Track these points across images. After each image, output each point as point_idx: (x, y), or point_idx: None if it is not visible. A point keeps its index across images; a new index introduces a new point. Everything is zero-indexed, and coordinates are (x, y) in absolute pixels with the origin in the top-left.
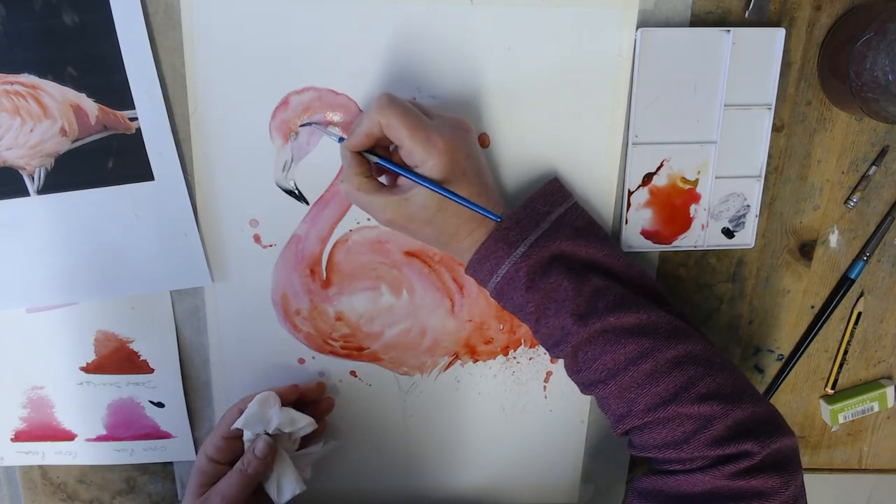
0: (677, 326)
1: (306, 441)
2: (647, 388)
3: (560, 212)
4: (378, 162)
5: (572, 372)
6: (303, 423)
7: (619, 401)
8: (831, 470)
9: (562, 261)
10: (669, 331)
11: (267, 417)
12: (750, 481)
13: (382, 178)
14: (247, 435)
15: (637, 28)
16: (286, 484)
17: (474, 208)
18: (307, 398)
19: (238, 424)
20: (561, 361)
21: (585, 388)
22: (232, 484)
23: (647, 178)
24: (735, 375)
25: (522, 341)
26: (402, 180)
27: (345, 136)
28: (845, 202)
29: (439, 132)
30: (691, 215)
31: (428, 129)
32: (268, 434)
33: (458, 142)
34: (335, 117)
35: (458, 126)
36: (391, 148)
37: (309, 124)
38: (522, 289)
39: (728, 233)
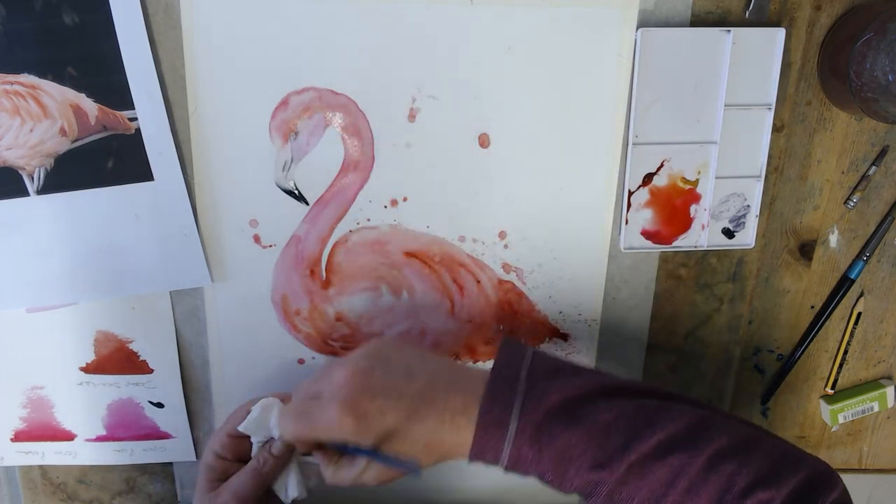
0: (692, 424)
1: None
2: None
3: (527, 366)
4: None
5: None
6: None
7: None
8: None
9: (558, 414)
10: (689, 436)
11: (269, 424)
12: None
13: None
14: (254, 439)
15: (637, 28)
16: (291, 486)
17: (393, 465)
18: None
19: (241, 428)
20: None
21: None
22: (245, 483)
23: (648, 178)
24: (771, 448)
25: (522, 341)
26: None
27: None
28: (845, 202)
29: (328, 409)
30: (691, 215)
31: (318, 419)
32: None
33: (354, 394)
34: (335, 117)
35: (347, 374)
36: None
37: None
38: (533, 463)
39: (728, 233)
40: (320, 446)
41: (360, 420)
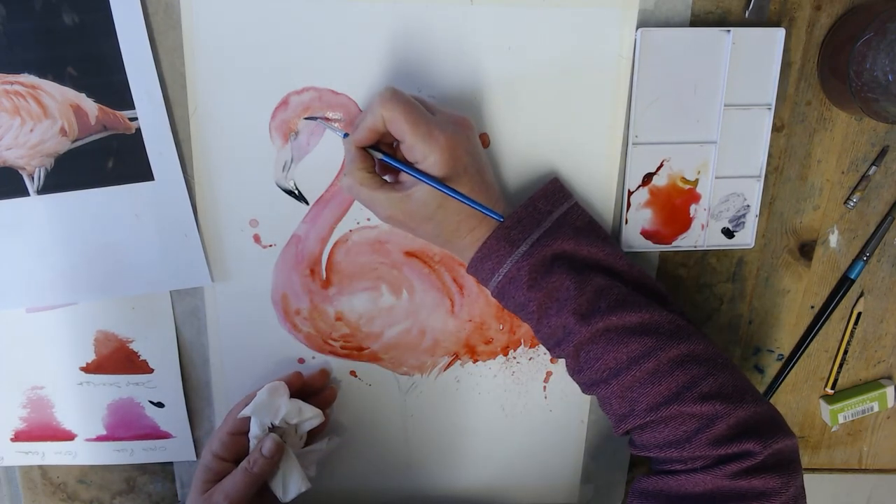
0: (679, 325)
1: (311, 437)
2: (649, 387)
3: (561, 211)
4: (381, 158)
5: (574, 371)
6: (310, 413)
7: (621, 400)
8: (831, 470)
9: (564, 260)
10: (672, 330)
11: (276, 406)
12: (751, 481)
13: (386, 176)
14: (253, 431)
15: (637, 28)
16: (292, 482)
17: (475, 206)
18: (310, 387)
19: (246, 412)
20: (562, 361)
21: (587, 387)
22: (237, 483)
23: (648, 178)
24: (737, 375)
25: (522, 341)
26: (404, 176)
27: (348, 131)
28: (845, 202)
29: (441, 128)
30: (691, 215)
31: (430, 125)
32: (274, 426)
33: (460, 139)
34: (335, 117)
35: (460, 123)
36: (395, 144)
37: (314, 118)
38: (524, 287)
39: (728, 233)
40: (372, 147)
41: (455, 156)
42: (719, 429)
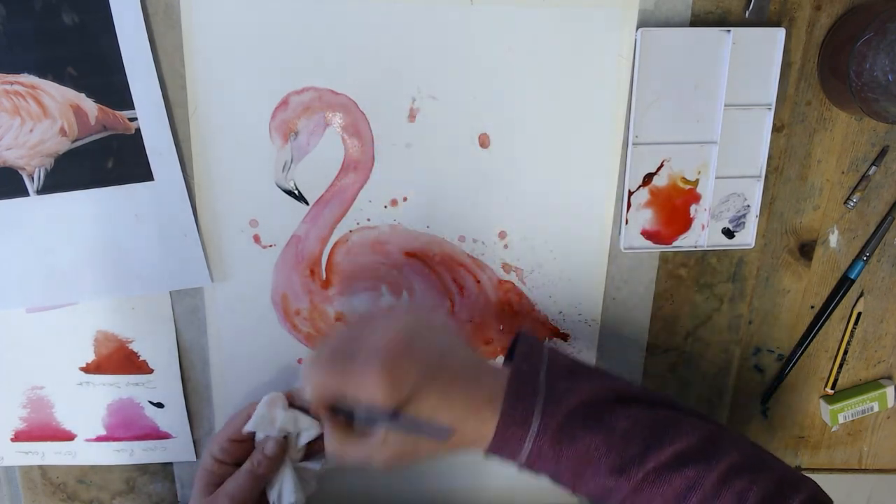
0: (704, 437)
1: (311, 454)
2: None
3: (546, 364)
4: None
5: None
6: (306, 423)
7: None
8: (831, 470)
9: (578, 416)
10: (702, 448)
11: (272, 416)
12: None
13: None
14: (259, 437)
15: (637, 28)
16: (287, 491)
17: (420, 431)
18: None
19: (249, 427)
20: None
21: None
22: (240, 484)
23: (648, 178)
24: (776, 468)
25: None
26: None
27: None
28: (845, 202)
29: (367, 366)
30: (691, 215)
31: (353, 372)
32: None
33: (396, 359)
34: (335, 117)
35: (392, 338)
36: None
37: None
38: (552, 463)
39: (728, 233)
40: (332, 410)
41: (396, 386)
42: None
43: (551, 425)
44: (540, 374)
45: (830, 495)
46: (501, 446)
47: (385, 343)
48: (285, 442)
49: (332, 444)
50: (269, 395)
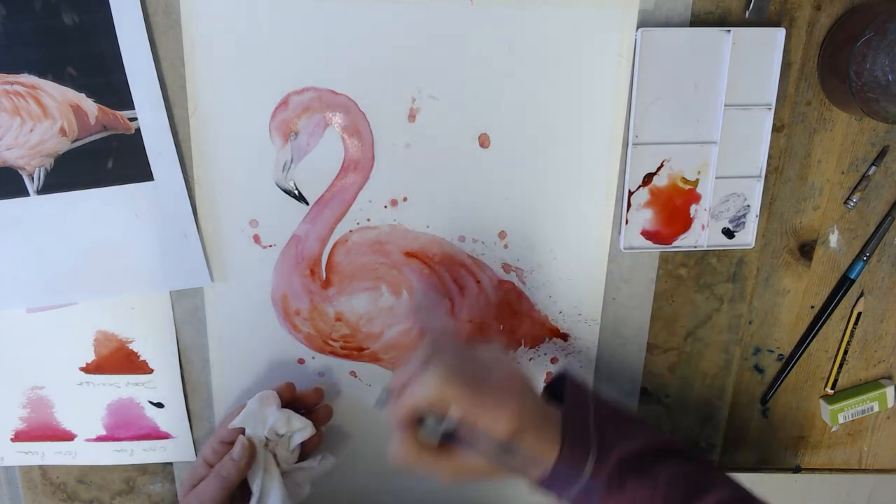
0: (736, 493)
1: (305, 452)
2: None
3: (593, 409)
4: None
5: None
6: (299, 424)
7: None
8: (831, 470)
9: (626, 466)
10: (736, 500)
11: (264, 416)
12: None
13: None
14: (246, 433)
15: (637, 28)
16: (271, 499)
17: (517, 465)
18: (304, 403)
19: (237, 423)
20: (561, 361)
21: None
22: (209, 487)
23: (648, 178)
24: None
25: (522, 342)
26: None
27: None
28: (845, 202)
29: (505, 402)
30: (692, 215)
31: (487, 404)
32: (266, 438)
33: (523, 401)
34: (335, 117)
35: (510, 374)
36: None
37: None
38: None
39: (728, 233)
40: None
41: (518, 423)
42: None
43: (602, 473)
44: (589, 419)
45: (831, 495)
46: (555, 485)
47: (519, 385)
48: (273, 449)
49: (406, 452)
50: (262, 392)
